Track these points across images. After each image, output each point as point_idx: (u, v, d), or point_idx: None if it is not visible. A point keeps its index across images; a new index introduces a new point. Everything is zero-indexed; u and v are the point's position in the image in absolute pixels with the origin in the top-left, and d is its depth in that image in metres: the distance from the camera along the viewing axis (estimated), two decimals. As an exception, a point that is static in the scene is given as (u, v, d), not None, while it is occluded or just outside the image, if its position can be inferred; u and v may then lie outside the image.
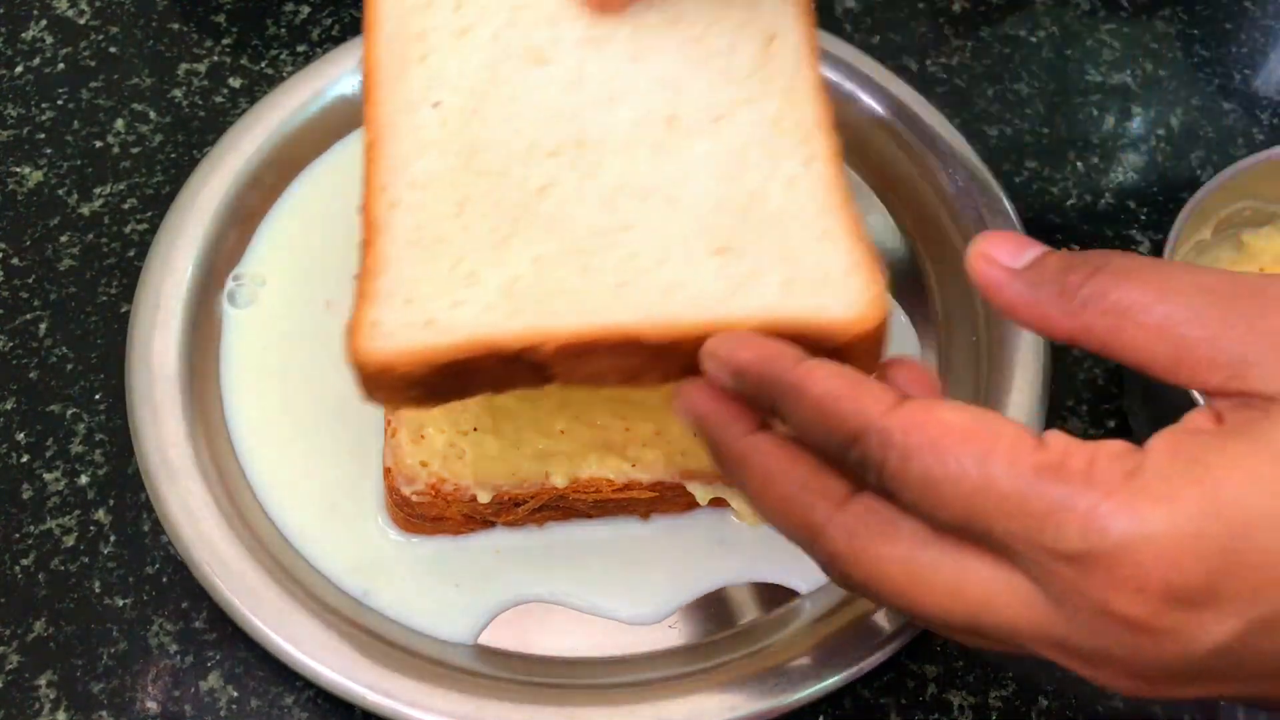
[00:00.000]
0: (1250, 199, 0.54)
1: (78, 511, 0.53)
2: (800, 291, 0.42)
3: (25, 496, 0.53)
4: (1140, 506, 0.30)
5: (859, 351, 0.42)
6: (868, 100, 0.61)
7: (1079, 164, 0.63)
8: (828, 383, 0.34)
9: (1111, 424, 0.55)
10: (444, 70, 0.47)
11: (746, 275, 0.42)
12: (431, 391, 0.43)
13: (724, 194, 0.44)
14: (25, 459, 0.54)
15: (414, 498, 0.49)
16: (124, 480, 0.53)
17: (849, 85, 0.61)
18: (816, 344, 0.41)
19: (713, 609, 0.50)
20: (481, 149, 0.45)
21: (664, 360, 0.42)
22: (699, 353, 0.39)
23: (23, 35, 0.66)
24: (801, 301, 0.41)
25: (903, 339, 0.56)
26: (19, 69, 0.65)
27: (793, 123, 0.46)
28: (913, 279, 0.58)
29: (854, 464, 0.34)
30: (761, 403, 0.37)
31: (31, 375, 0.56)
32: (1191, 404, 0.45)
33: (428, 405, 0.45)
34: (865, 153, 0.61)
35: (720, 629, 0.50)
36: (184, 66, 0.65)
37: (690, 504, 0.51)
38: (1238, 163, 0.52)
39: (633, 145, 0.45)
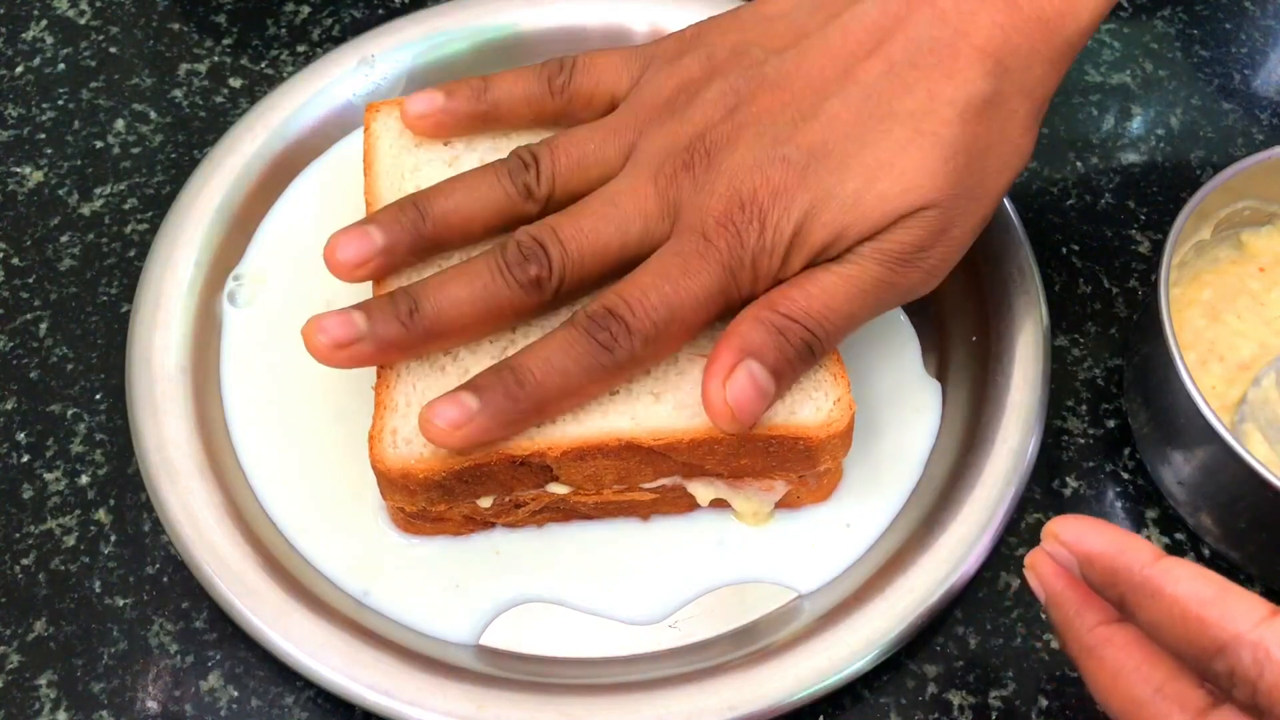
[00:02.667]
0: (1250, 199, 0.54)
1: (78, 511, 0.53)
2: None
3: (25, 496, 0.53)
4: None
5: (829, 447, 0.47)
6: (868, 100, 0.60)
7: (1079, 164, 0.63)
8: (1190, 585, 0.34)
9: (1111, 424, 0.55)
10: None
11: None
12: (447, 493, 0.47)
13: None
14: (25, 459, 0.54)
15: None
16: (124, 480, 0.53)
17: (849, 85, 0.61)
18: (792, 445, 0.46)
19: (713, 609, 0.50)
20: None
21: (657, 462, 0.47)
22: (1042, 531, 0.38)
23: (23, 35, 0.66)
24: (777, 405, 0.46)
25: (903, 339, 0.56)
26: (19, 69, 0.65)
27: None
28: (913, 279, 0.58)
29: (1218, 676, 0.33)
30: (1108, 594, 0.36)
31: (31, 375, 0.56)
32: (1192, 404, 0.46)
33: (442, 505, 0.48)
34: (865, 153, 0.61)
35: (720, 629, 0.49)
36: (184, 66, 0.65)
37: (690, 504, 0.51)
38: (1238, 163, 0.52)
39: None
